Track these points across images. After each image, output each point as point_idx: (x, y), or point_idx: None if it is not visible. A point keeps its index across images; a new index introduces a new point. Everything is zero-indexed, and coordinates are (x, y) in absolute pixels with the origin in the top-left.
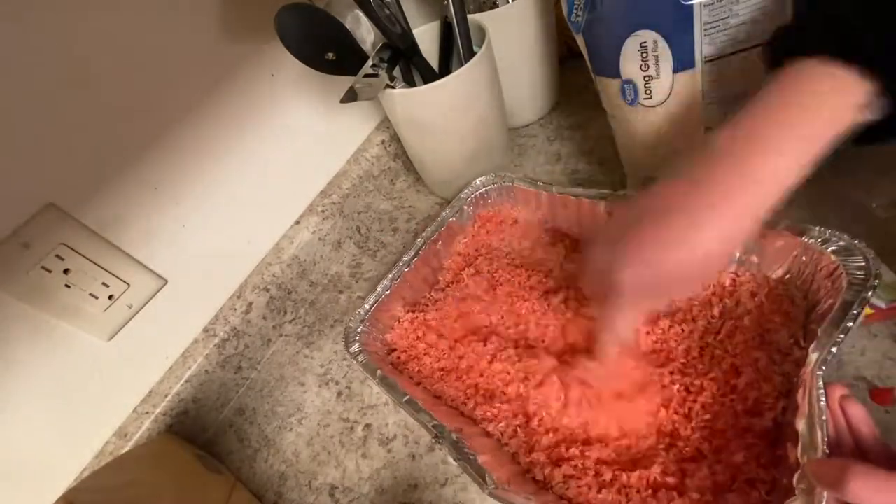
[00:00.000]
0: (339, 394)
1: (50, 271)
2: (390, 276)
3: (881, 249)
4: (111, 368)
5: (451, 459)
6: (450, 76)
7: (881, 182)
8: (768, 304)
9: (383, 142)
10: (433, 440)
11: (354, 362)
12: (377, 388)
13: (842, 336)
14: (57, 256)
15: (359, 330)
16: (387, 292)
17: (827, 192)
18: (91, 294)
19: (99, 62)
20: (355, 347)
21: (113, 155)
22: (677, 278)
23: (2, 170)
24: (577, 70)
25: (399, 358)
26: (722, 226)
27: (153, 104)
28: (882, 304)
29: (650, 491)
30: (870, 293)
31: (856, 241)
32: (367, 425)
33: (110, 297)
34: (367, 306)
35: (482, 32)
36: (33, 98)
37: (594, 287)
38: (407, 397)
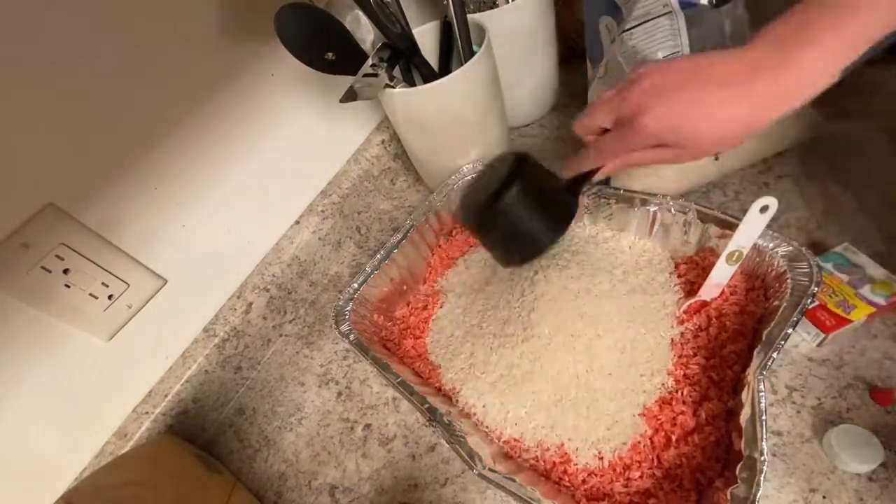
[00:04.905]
0: (339, 394)
1: (50, 271)
2: (378, 256)
3: (882, 252)
4: (111, 368)
5: (443, 441)
6: (450, 76)
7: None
8: (744, 300)
9: (383, 142)
10: (427, 422)
11: (346, 342)
12: (370, 367)
13: (782, 343)
14: (57, 256)
15: (347, 309)
16: (375, 272)
17: (829, 197)
18: (91, 294)
19: (99, 62)
20: (345, 327)
21: (113, 155)
22: (695, 139)
23: (2, 170)
24: (577, 70)
25: (389, 338)
26: (755, 102)
27: (153, 104)
28: (882, 301)
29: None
30: (809, 300)
31: (803, 248)
32: (367, 425)
33: (110, 297)
34: (355, 285)
35: (482, 32)
36: (33, 98)
37: (602, 116)
38: (400, 379)
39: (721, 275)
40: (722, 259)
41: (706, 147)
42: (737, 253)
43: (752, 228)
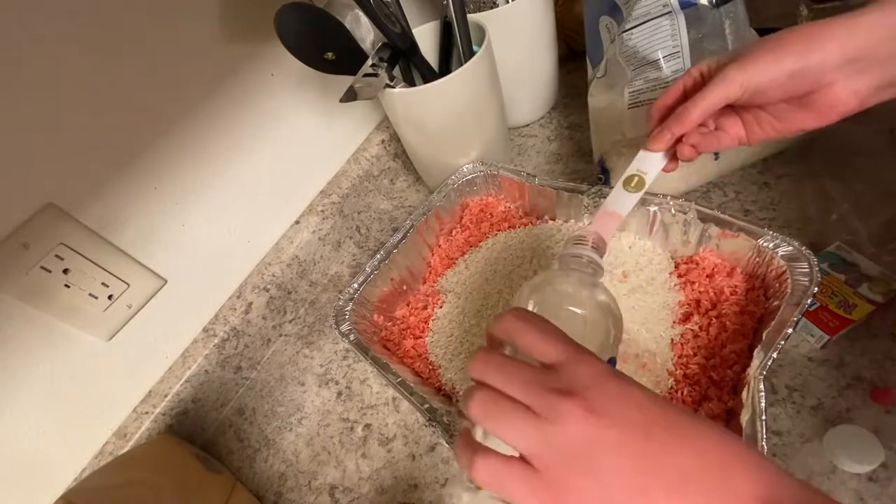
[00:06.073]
0: (339, 394)
1: (49, 271)
2: (378, 256)
3: (881, 252)
4: (111, 368)
5: (443, 441)
6: (450, 76)
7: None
8: (744, 300)
9: (383, 142)
10: (427, 422)
11: (346, 342)
12: (370, 367)
13: (782, 342)
14: (56, 256)
15: (347, 309)
16: (375, 272)
17: (828, 197)
18: (91, 294)
19: (98, 62)
20: (345, 327)
21: (113, 155)
22: None
23: (2, 170)
24: (577, 70)
25: (389, 338)
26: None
27: (153, 104)
28: (879, 299)
29: None
30: (809, 300)
31: (803, 248)
32: (367, 425)
33: (110, 297)
34: (355, 286)
35: (482, 32)
36: (33, 98)
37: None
38: (400, 379)
39: (617, 203)
40: (619, 184)
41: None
42: (636, 178)
43: (656, 154)
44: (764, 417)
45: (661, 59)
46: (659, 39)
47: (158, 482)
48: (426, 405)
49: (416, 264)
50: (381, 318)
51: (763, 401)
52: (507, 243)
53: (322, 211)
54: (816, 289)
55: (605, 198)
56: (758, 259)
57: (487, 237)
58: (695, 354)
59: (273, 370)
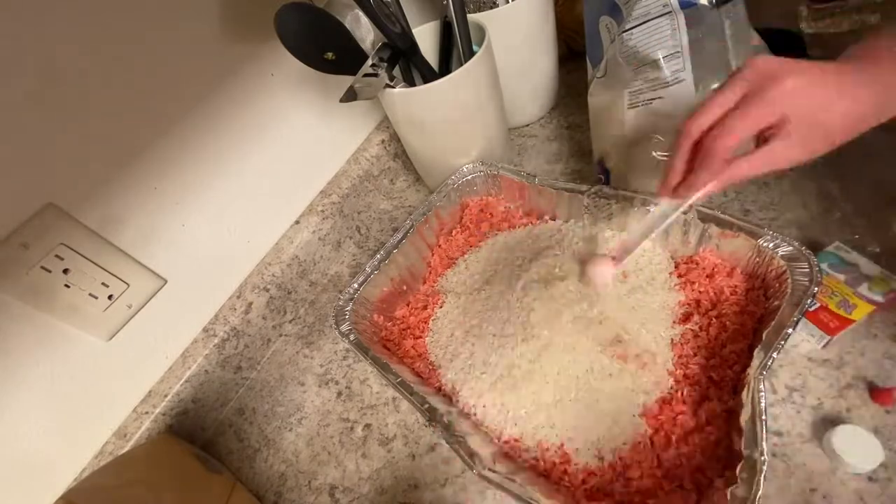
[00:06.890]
0: (339, 394)
1: (49, 271)
2: (378, 256)
3: (881, 251)
4: (111, 368)
5: (443, 441)
6: (449, 76)
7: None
8: (744, 300)
9: (383, 141)
10: (427, 422)
11: (346, 342)
12: (370, 367)
13: (782, 343)
14: (56, 256)
15: (347, 309)
16: (375, 272)
17: (828, 197)
18: (91, 294)
19: (99, 62)
20: (345, 327)
21: (113, 155)
22: (826, 115)
23: (2, 170)
24: (577, 70)
25: (389, 338)
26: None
27: (153, 104)
28: (880, 299)
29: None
30: (809, 300)
31: (803, 248)
32: (367, 425)
33: (110, 297)
34: (355, 285)
35: (482, 32)
36: (33, 98)
37: (730, 94)
38: (400, 379)
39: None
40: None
41: (830, 130)
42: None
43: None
44: (764, 417)
45: (661, 59)
46: (659, 39)
47: (158, 482)
48: (426, 405)
49: (416, 264)
50: (381, 318)
51: (763, 401)
52: (507, 243)
53: (322, 211)
54: (816, 289)
55: (604, 198)
56: (758, 259)
57: (487, 237)
58: (695, 354)
59: (273, 370)
